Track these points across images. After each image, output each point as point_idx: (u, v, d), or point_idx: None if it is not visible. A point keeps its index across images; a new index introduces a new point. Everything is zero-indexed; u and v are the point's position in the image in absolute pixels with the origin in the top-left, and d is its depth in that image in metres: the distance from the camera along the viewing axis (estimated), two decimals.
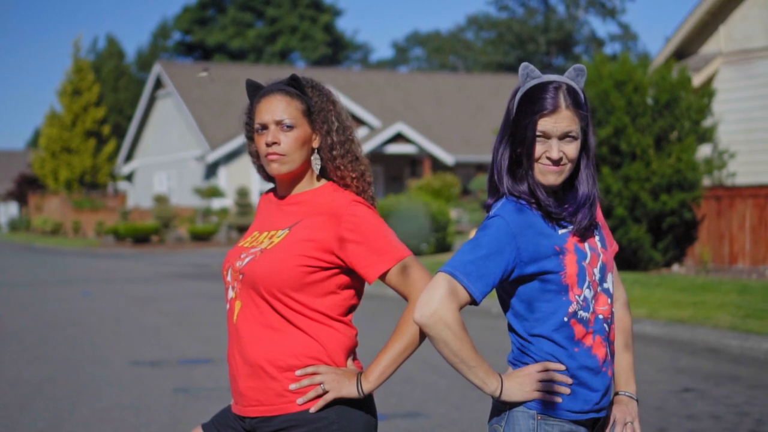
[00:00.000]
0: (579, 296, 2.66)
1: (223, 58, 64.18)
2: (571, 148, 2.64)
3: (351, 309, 2.85)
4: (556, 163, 2.64)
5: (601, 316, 2.71)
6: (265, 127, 2.83)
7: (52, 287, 18.51)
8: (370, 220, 2.77)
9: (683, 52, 19.17)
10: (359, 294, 2.86)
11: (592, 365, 2.66)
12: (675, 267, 16.99)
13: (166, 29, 70.24)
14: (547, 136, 2.63)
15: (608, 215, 16.17)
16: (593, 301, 2.69)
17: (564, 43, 63.29)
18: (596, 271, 2.71)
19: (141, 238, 35.18)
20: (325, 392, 2.71)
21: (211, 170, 39.60)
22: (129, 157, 47.48)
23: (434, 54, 71.80)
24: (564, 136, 2.63)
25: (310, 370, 2.73)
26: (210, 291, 17.07)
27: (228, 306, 2.86)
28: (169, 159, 43.33)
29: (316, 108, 2.88)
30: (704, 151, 17.31)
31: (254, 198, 36.02)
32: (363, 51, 74.41)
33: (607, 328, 2.73)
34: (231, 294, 2.84)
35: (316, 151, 2.88)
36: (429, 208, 23.01)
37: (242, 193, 34.59)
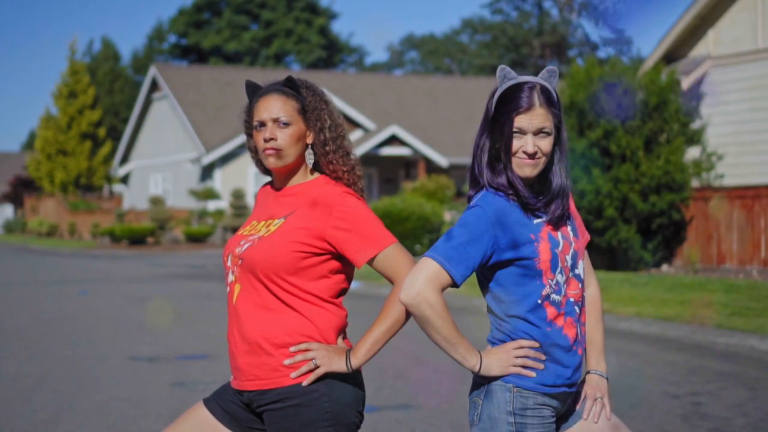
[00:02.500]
0: (552, 281, 2.88)
1: (219, 61, 64.27)
2: (545, 143, 2.87)
3: (342, 292, 3.07)
4: (532, 156, 2.86)
5: (572, 299, 2.93)
6: (263, 124, 3.07)
7: (49, 287, 18.66)
8: (360, 210, 3.00)
9: (673, 55, 19.39)
10: (349, 278, 3.09)
11: (564, 344, 2.89)
12: (664, 267, 17.23)
13: (161, 32, 70.31)
14: (522, 132, 2.86)
15: (599, 216, 16.41)
16: (565, 286, 2.91)
17: (558, 46, 63.52)
18: (568, 257, 2.93)
19: (137, 239, 35.32)
20: (317, 367, 2.94)
21: (207, 172, 39.75)
22: (124, 159, 47.59)
23: (429, 57, 71.96)
24: (538, 132, 2.86)
25: (303, 346, 2.96)
26: (206, 291, 17.24)
27: (228, 289, 3.09)
28: (164, 161, 43.47)
29: (310, 107, 3.11)
30: (693, 153, 17.55)
31: (249, 200, 36.16)
32: (358, 54, 74.53)
33: (578, 311, 2.95)
34: (231, 278, 3.07)
35: (310, 146, 3.11)
36: (423, 209, 23.24)
37: (237, 195, 34.76)
